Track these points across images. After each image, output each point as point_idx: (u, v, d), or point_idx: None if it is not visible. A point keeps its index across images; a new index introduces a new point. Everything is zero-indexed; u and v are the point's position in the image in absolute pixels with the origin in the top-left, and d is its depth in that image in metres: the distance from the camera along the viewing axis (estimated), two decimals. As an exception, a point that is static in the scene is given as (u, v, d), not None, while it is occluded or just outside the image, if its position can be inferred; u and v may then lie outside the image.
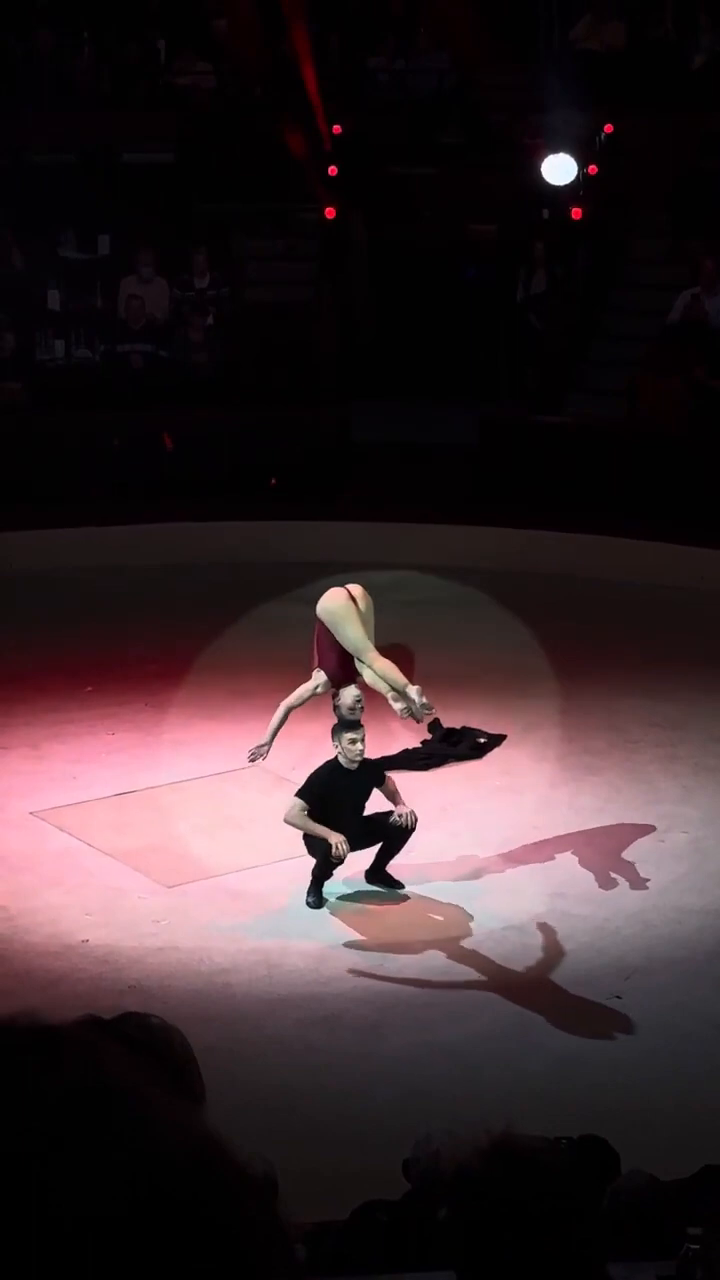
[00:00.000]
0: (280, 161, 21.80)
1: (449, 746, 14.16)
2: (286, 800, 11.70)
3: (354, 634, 11.69)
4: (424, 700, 11.47)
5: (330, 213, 21.22)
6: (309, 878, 11.75)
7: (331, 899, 11.82)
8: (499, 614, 16.97)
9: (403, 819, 11.63)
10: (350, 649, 11.71)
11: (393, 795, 11.73)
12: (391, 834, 11.72)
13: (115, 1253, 1.31)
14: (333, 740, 11.62)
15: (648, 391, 19.68)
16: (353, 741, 11.50)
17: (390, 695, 11.62)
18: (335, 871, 11.70)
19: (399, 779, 12.17)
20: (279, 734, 12.00)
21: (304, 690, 11.91)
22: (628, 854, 12.58)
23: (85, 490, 19.03)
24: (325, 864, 11.63)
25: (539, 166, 20.44)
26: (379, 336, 21.53)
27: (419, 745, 14.12)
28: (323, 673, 11.86)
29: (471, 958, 11.30)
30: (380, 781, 11.77)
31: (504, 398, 20.63)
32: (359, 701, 11.60)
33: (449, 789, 13.65)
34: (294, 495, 19.31)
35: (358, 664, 11.72)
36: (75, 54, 22.48)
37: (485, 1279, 2.29)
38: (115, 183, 21.03)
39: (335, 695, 11.71)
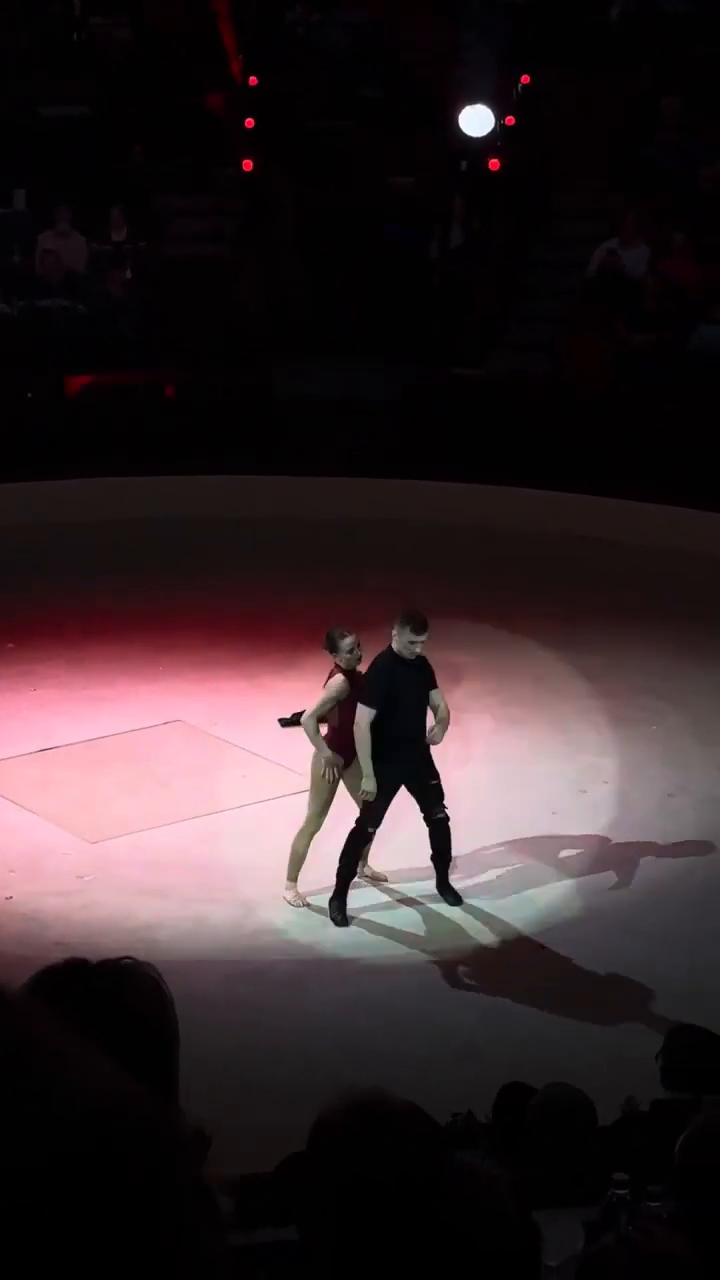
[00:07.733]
0: (199, 116, 21.64)
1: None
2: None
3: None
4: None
5: (248, 165, 21.06)
6: (333, 883, 11.27)
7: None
8: (422, 566, 16.93)
9: (441, 812, 11.30)
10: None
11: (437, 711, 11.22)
12: (430, 807, 11.36)
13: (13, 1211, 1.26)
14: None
15: (571, 347, 19.67)
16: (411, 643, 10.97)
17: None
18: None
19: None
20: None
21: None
22: (551, 805, 12.62)
23: (5, 446, 18.85)
24: (355, 847, 11.24)
25: (457, 119, 20.32)
26: (303, 292, 21.34)
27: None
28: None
29: (393, 911, 11.32)
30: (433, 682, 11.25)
31: (426, 354, 20.42)
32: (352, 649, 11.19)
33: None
34: (220, 451, 19.19)
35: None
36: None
37: (319, 1236, 2.27)
38: (32, 137, 20.82)
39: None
